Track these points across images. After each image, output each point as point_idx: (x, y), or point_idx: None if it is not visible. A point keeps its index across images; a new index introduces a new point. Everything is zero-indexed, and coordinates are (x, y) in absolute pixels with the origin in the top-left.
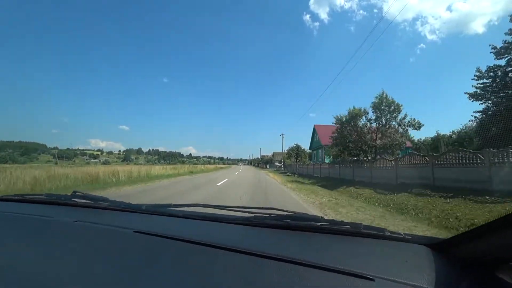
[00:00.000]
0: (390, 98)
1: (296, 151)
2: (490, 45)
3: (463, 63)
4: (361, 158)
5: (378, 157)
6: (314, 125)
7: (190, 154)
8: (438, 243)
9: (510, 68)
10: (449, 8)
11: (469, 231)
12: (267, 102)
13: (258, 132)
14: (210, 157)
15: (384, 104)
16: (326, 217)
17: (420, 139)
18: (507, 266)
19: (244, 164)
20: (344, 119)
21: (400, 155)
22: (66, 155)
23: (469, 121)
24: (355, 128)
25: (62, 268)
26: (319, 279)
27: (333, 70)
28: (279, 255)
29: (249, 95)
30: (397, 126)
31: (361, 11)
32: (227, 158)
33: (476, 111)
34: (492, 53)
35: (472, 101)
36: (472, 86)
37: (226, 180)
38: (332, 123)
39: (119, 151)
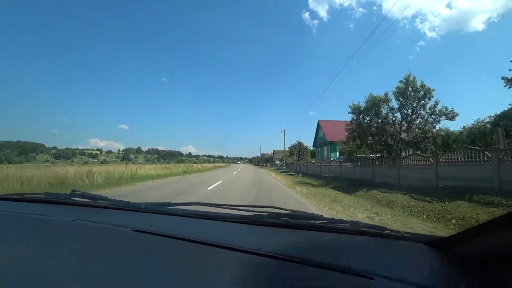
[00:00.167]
0: (418, 82)
1: (298, 149)
2: None
3: (463, 61)
4: (385, 154)
5: (405, 153)
6: (319, 121)
7: (190, 153)
8: (438, 241)
9: None
10: (448, 6)
11: (469, 229)
12: (267, 101)
13: (258, 131)
14: (209, 156)
15: (410, 89)
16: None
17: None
18: (508, 264)
19: (244, 163)
20: (362, 108)
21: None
22: (64, 155)
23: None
24: (377, 118)
25: (61, 267)
26: (318, 278)
27: (332, 67)
28: (279, 253)
29: (249, 93)
30: (426, 116)
31: (360, 9)
32: (227, 156)
33: None
34: None
35: (509, 87)
36: (510, 69)
37: (220, 182)
38: (349, 113)
39: (119, 150)
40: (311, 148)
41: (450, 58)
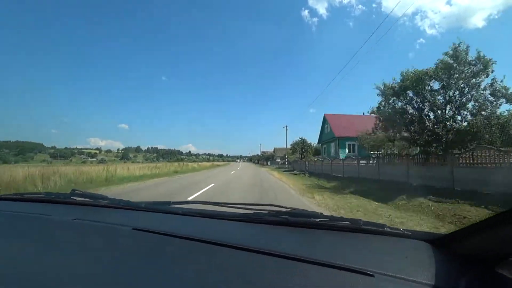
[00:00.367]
0: (472, 53)
1: (301, 146)
2: None
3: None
4: (431, 148)
5: (469, 146)
6: (325, 115)
7: (190, 151)
8: (438, 238)
9: None
10: (448, 3)
11: (469, 226)
12: (267, 99)
13: (258, 129)
14: (209, 155)
15: (460, 63)
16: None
17: None
18: (507, 261)
19: (244, 161)
20: (397, 87)
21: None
22: (63, 154)
23: None
24: (420, 99)
25: (61, 267)
26: (318, 275)
27: (332, 65)
28: (278, 251)
29: (249, 92)
30: (481, 97)
31: (360, 6)
32: (227, 155)
33: None
34: None
35: None
36: None
37: (212, 185)
38: (378, 95)
39: (118, 149)
40: (315, 145)
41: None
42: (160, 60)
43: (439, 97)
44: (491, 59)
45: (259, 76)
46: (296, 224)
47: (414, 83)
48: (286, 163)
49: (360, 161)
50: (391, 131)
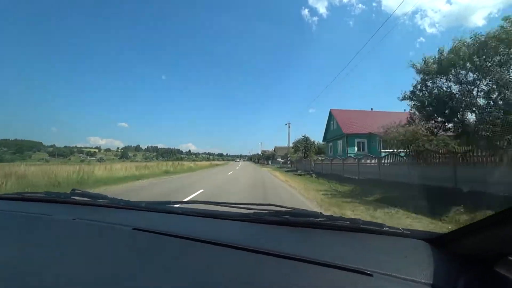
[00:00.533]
0: None
1: (304, 144)
2: None
3: None
4: (500, 143)
5: None
6: (331, 110)
7: (190, 150)
8: (437, 238)
9: None
10: (449, 1)
11: (467, 226)
12: (267, 98)
13: (258, 128)
14: (209, 154)
15: None
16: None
17: None
18: (506, 260)
19: (244, 160)
20: (446, 61)
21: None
22: (62, 153)
23: None
24: (482, 74)
25: (62, 266)
26: (318, 275)
27: (333, 64)
28: (278, 251)
29: (249, 91)
30: None
31: (360, 5)
32: (227, 154)
33: None
34: None
35: None
36: None
37: (201, 191)
38: (418, 73)
39: (117, 148)
40: (318, 143)
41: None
42: (160, 59)
43: (479, 83)
44: None
45: (260, 75)
46: (296, 224)
47: (475, 51)
48: (289, 162)
49: (382, 162)
50: (432, 121)
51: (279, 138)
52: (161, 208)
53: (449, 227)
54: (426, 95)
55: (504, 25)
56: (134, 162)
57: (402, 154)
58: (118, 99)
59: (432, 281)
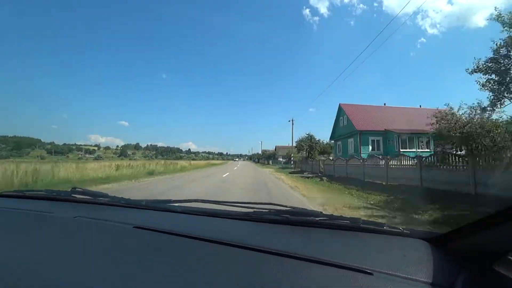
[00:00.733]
0: None
1: (309, 143)
2: None
3: (464, 57)
4: None
5: None
6: (341, 105)
7: (189, 149)
8: (436, 237)
9: None
10: (450, 1)
11: (467, 225)
12: (268, 97)
13: (259, 127)
14: (209, 153)
15: None
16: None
17: None
18: (505, 259)
19: (243, 160)
20: None
21: None
22: (60, 150)
23: None
24: None
25: (62, 264)
26: (318, 274)
27: (333, 63)
28: (279, 250)
29: (249, 90)
30: None
31: (361, 5)
32: (227, 153)
33: None
34: None
35: None
36: None
37: None
38: (491, 56)
39: (117, 146)
40: (328, 141)
41: (451, 55)
42: (161, 57)
43: None
44: None
45: (261, 74)
46: (297, 223)
47: None
48: (292, 162)
49: (424, 164)
50: None
51: (280, 138)
52: (162, 206)
53: None
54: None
55: None
56: (132, 161)
57: (453, 152)
58: (119, 97)
59: (431, 280)
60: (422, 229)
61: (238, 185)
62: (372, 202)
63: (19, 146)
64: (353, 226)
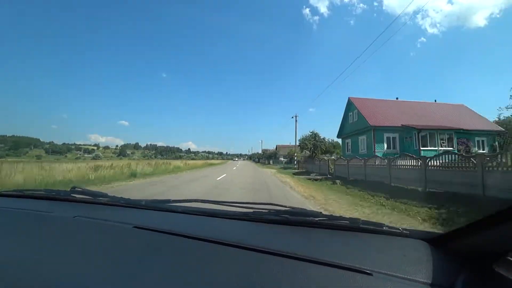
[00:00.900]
0: None
1: (313, 141)
2: None
3: (464, 57)
4: None
5: None
6: (350, 98)
7: (189, 149)
8: (436, 237)
9: None
10: (450, 1)
11: (466, 225)
12: (268, 97)
13: (259, 127)
14: (209, 152)
15: None
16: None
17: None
18: (504, 259)
19: (243, 159)
20: None
21: None
22: (58, 150)
23: None
24: None
25: (62, 264)
26: (318, 274)
27: (333, 62)
28: (278, 250)
29: (249, 90)
30: None
31: (361, 4)
32: (227, 153)
33: None
34: None
35: None
36: None
37: None
38: None
39: (116, 146)
40: (334, 140)
41: (451, 54)
42: (160, 57)
43: None
44: None
45: (260, 74)
46: (296, 223)
47: None
48: (295, 162)
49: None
50: None
51: (280, 138)
52: (161, 206)
53: None
54: None
55: None
56: (123, 160)
57: None
58: (119, 97)
59: (431, 280)
60: (421, 230)
61: (234, 194)
62: (420, 218)
63: (17, 146)
64: (353, 227)
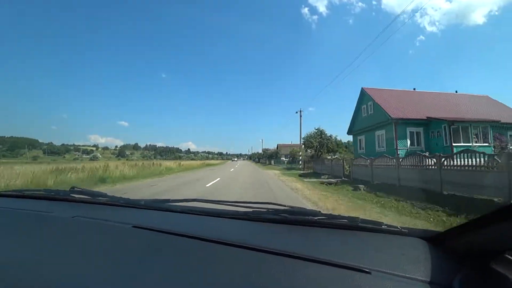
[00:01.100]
0: None
1: (319, 139)
2: None
3: (463, 55)
4: None
5: None
6: (364, 89)
7: (189, 149)
8: (434, 236)
9: None
10: None
11: (464, 223)
12: (268, 96)
13: (259, 126)
14: (209, 152)
15: None
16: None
17: None
18: (502, 257)
19: (243, 159)
20: None
21: None
22: (56, 151)
23: None
24: None
25: (61, 264)
26: (317, 273)
27: (332, 62)
28: (277, 249)
29: (249, 89)
30: None
31: (360, 3)
32: (227, 153)
33: None
34: None
35: None
36: None
37: None
38: None
39: (116, 146)
40: (336, 138)
41: (450, 52)
42: (159, 57)
43: None
44: None
45: (260, 74)
46: (295, 222)
47: None
48: (301, 162)
49: None
50: None
51: (280, 138)
52: (161, 206)
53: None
54: None
55: None
56: (130, 161)
57: None
58: (119, 97)
59: (429, 278)
60: (420, 228)
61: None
62: None
63: (14, 147)
64: (352, 225)
